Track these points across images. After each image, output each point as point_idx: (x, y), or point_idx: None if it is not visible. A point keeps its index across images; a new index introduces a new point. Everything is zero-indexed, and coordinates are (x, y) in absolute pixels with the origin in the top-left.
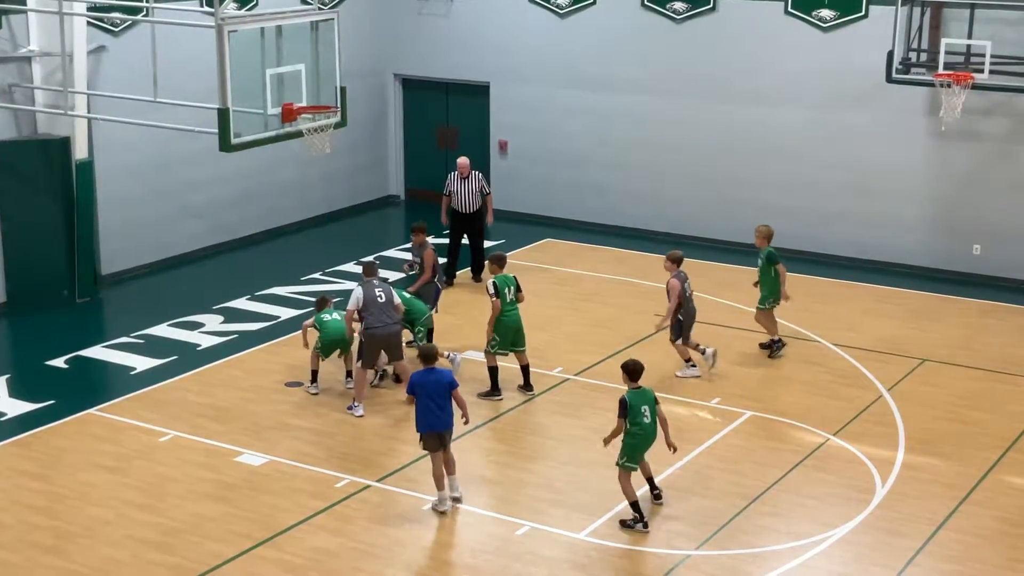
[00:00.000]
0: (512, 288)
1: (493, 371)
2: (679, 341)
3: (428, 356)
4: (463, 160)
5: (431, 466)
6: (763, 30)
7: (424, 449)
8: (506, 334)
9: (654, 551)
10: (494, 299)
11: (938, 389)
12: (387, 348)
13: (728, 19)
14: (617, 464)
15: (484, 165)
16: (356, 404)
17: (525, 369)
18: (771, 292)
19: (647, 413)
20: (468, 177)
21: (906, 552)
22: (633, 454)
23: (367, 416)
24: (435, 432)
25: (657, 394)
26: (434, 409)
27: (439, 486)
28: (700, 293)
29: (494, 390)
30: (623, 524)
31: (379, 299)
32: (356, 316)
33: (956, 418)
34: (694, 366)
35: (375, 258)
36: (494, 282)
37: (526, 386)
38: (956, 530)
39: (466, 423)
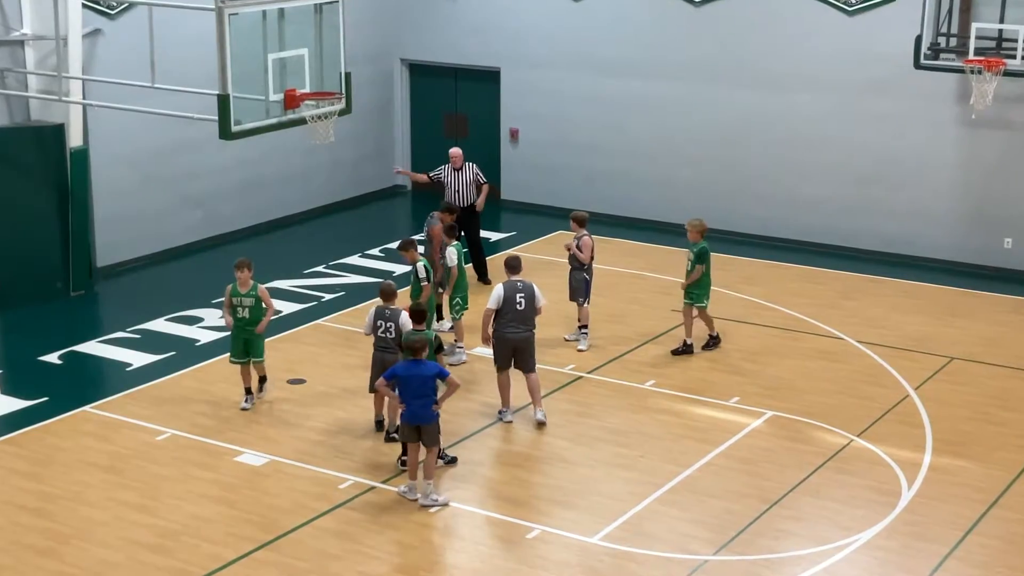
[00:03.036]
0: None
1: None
2: (586, 304)
3: (413, 348)
4: (456, 150)
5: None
6: (786, 13)
7: (400, 439)
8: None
9: (670, 556)
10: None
11: (967, 388)
12: (517, 354)
13: (749, 2)
14: None
15: (494, 154)
16: (505, 410)
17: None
18: (702, 288)
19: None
20: (462, 168)
21: (933, 558)
22: None
23: (371, 416)
24: (412, 425)
25: (677, 393)
26: (411, 401)
27: (412, 475)
28: (719, 288)
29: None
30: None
31: (519, 306)
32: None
33: (986, 418)
34: (586, 333)
35: (381, 250)
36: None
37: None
38: (985, 535)
39: (437, 407)
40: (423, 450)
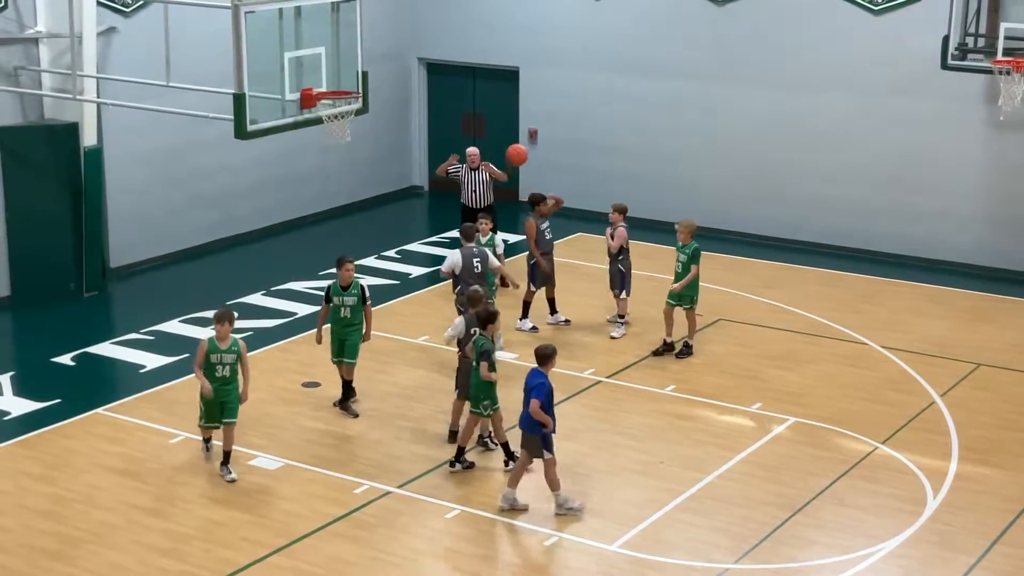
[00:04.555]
0: (354, 299)
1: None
2: (623, 295)
3: (538, 356)
4: (473, 150)
5: (553, 471)
6: (810, 13)
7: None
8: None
9: (690, 564)
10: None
11: (994, 395)
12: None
13: (773, 1)
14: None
15: None
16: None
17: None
18: (693, 290)
19: (473, 360)
20: (479, 168)
21: (959, 568)
22: (472, 396)
23: (388, 420)
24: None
25: (698, 399)
26: (524, 407)
27: (553, 487)
28: (739, 291)
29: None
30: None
31: (475, 269)
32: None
33: (1013, 426)
34: (626, 323)
35: (397, 252)
36: (328, 286)
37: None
38: (1012, 545)
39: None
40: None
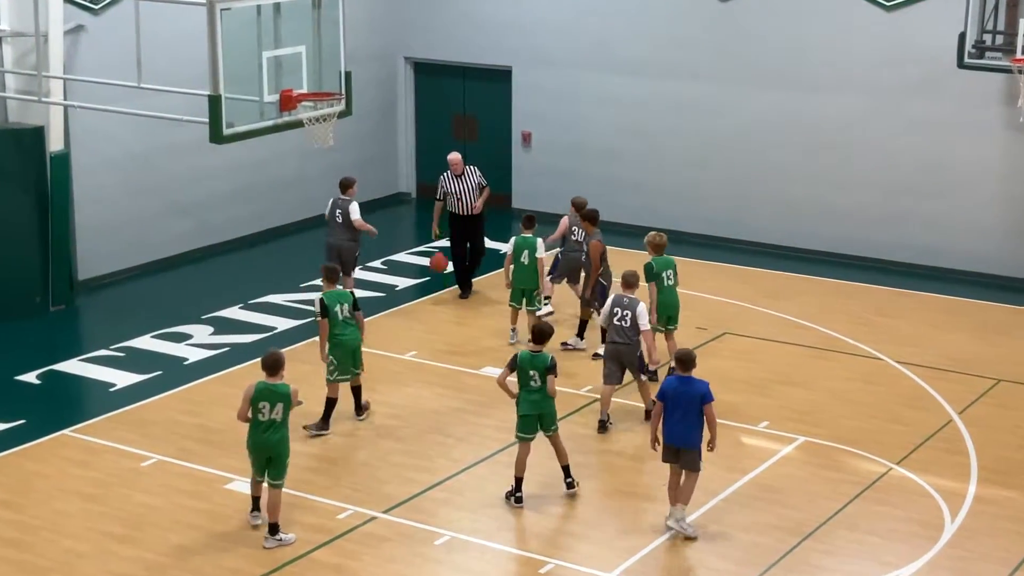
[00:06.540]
0: (347, 305)
1: (330, 402)
2: (551, 280)
3: (685, 362)
4: (455, 156)
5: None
6: (819, 9)
7: (663, 460)
8: (343, 358)
9: None
10: (320, 319)
11: (1015, 412)
12: (341, 260)
13: None
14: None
15: (505, 159)
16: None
17: (356, 391)
18: (665, 310)
19: (536, 378)
20: (463, 174)
21: None
22: (522, 419)
23: (373, 441)
24: (670, 445)
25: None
26: (675, 422)
27: (672, 500)
28: (745, 303)
29: (324, 423)
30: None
31: (337, 219)
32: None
33: None
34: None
35: (383, 262)
36: (321, 298)
37: (357, 411)
38: None
39: (711, 450)
40: (683, 474)
